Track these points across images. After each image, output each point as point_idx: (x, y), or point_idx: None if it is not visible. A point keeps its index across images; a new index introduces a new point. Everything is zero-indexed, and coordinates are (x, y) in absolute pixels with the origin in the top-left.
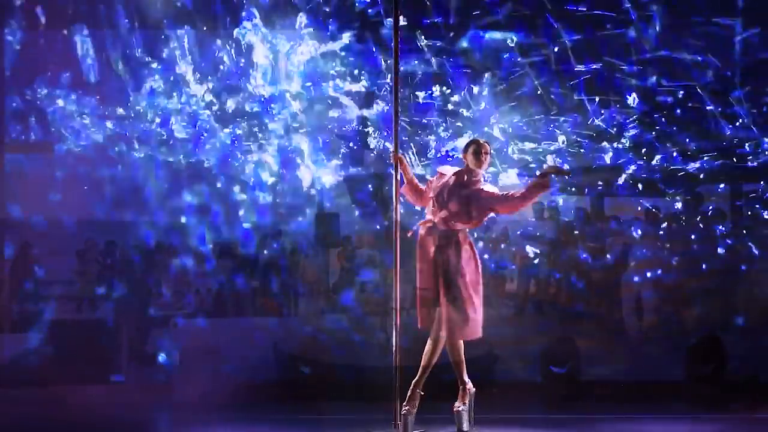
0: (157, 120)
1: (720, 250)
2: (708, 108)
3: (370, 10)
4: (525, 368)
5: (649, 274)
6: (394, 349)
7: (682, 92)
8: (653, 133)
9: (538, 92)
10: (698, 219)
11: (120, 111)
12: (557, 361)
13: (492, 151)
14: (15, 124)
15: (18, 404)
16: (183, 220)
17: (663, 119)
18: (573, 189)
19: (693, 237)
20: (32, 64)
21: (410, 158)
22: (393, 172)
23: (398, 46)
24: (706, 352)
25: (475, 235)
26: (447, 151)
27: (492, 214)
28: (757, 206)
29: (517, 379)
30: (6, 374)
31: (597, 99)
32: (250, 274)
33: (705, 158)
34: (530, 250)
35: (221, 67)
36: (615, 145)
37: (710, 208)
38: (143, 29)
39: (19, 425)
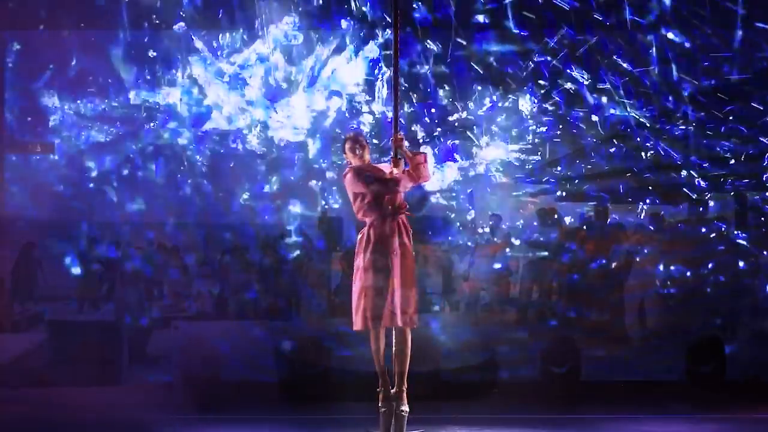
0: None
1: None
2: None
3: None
4: (526, 371)
5: (653, 276)
6: (394, 350)
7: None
8: (660, 138)
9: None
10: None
11: (122, 110)
12: (557, 361)
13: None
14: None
15: (18, 404)
16: (183, 221)
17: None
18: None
19: (696, 242)
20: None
21: None
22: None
23: (398, 45)
24: (707, 352)
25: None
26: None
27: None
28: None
29: (517, 380)
30: (7, 374)
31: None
32: (252, 277)
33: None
34: (533, 254)
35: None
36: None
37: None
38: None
39: (20, 425)
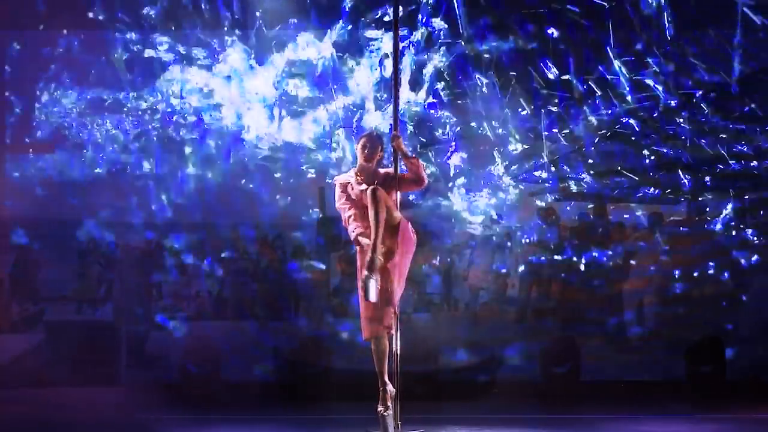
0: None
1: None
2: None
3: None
4: (526, 371)
5: (653, 275)
6: (394, 349)
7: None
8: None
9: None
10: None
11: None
12: (557, 361)
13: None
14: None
15: (17, 405)
16: (182, 221)
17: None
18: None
19: (695, 242)
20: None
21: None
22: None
23: (398, 44)
24: (707, 352)
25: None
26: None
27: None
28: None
29: (517, 380)
30: (6, 375)
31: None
32: (252, 277)
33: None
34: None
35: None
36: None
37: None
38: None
39: (19, 425)
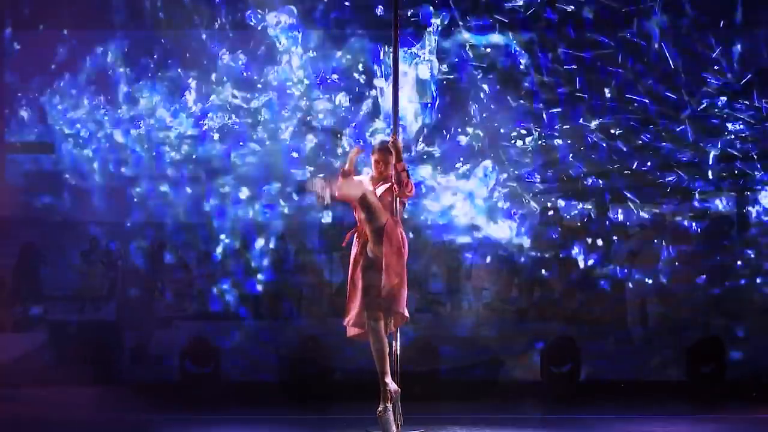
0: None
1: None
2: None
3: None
4: (526, 371)
5: (654, 275)
6: (394, 349)
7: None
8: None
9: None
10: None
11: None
12: (557, 361)
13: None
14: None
15: (20, 404)
16: (184, 220)
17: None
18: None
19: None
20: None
21: None
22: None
23: (397, 44)
24: (707, 352)
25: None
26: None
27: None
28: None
29: (517, 380)
30: (9, 374)
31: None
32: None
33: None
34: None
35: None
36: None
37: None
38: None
39: (21, 425)
